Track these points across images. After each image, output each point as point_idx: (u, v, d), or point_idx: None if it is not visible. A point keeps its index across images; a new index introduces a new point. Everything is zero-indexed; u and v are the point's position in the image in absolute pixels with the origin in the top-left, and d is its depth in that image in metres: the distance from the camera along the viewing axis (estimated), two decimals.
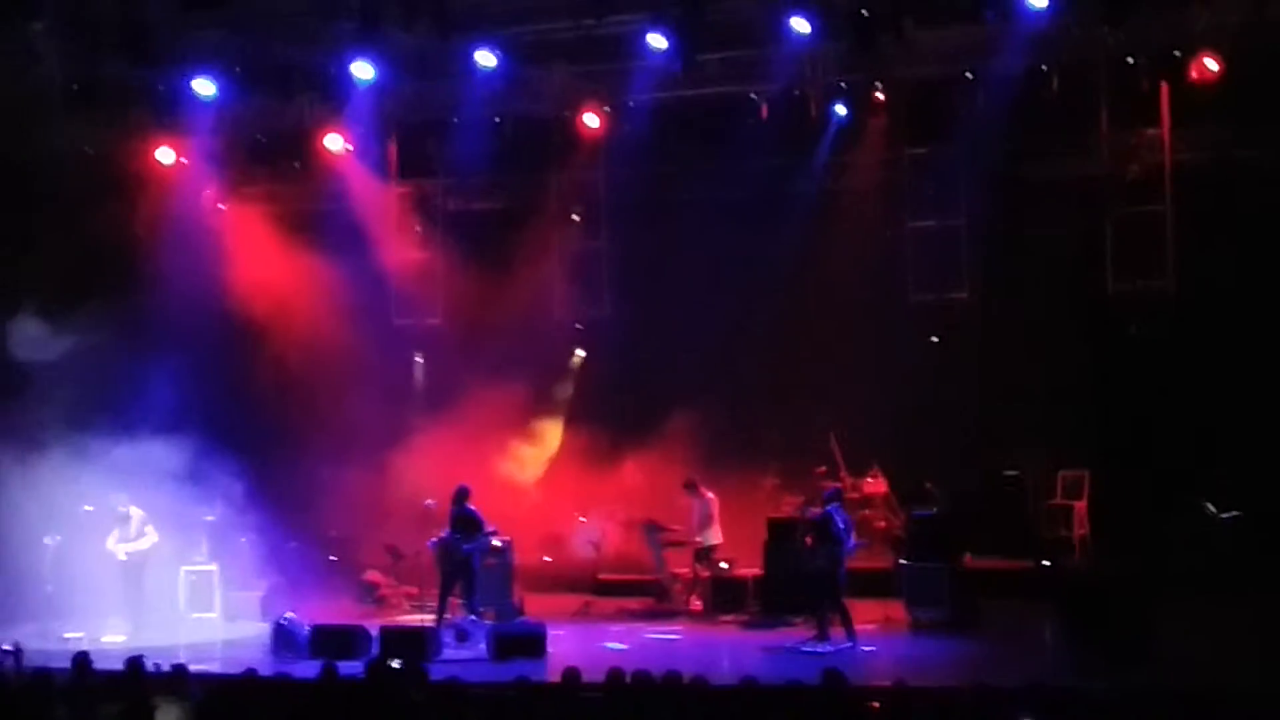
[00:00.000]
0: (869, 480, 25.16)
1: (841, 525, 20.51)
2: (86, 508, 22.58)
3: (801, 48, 23.40)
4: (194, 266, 26.16)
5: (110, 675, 15.20)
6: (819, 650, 19.80)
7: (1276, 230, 23.10)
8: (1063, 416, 23.91)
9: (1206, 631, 19.31)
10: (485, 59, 23.66)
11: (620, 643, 21.08)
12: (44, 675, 14.34)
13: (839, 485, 23.61)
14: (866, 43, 22.77)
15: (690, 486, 23.47)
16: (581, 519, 25.65)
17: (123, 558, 22.42)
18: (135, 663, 15.18)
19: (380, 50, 23.81)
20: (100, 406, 23.54)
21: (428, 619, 21.49)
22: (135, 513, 22.50)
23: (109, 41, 23.22)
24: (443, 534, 21.97)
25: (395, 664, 15.91)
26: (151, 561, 22.66)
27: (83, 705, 14.07)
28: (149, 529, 22.53)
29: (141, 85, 24.60)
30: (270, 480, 24.95)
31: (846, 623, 20.33)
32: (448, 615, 21.66)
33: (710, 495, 23.38)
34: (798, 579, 21.59)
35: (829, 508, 20.79)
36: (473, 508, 22.05)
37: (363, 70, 23.96)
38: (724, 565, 23.32)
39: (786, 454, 25.54)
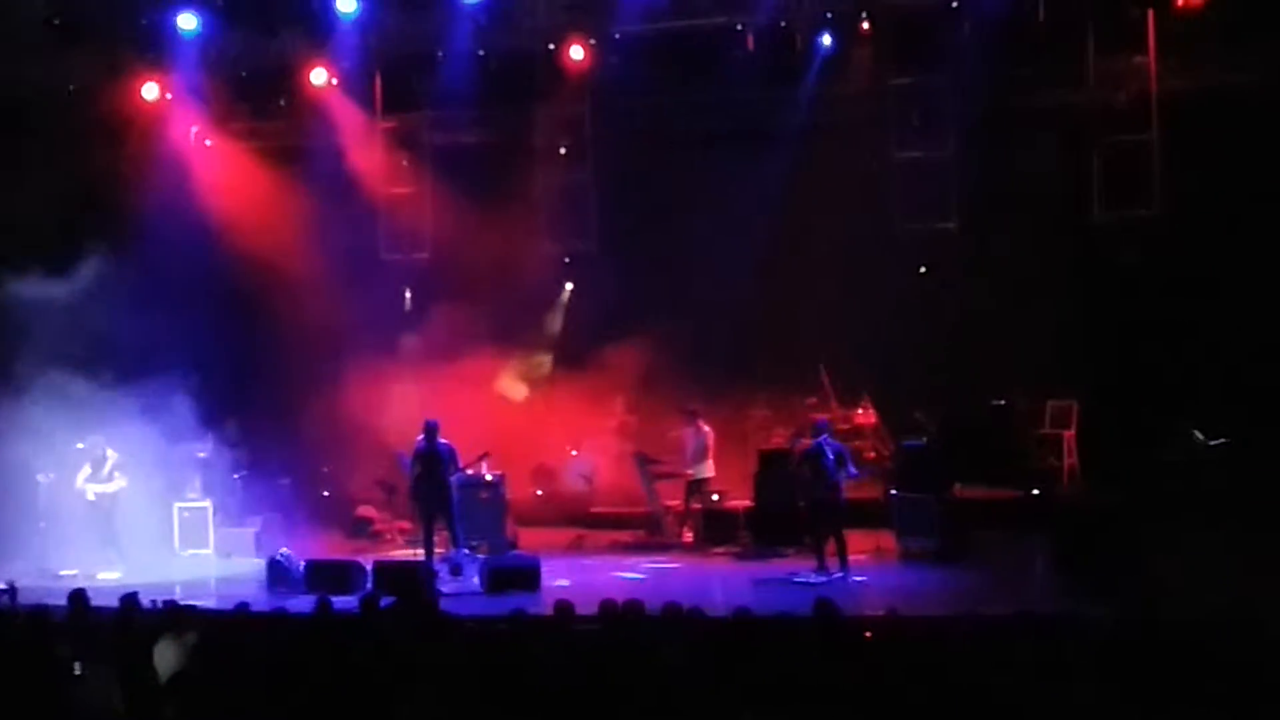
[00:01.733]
0: (859, 411, 25.24)
1: (831, 456, 20.57)
2: (79, 445, 22.54)
3: None
4: (180, 203, 26.08)
5: (107, 612, 15.26)
6: (813, 580, 19.92)
7: (1263, 156, 23.05)
8: (1051, 346, 23.90)
9: (1196, 559, 19.42)
10: None
11: (626, 571, 21.22)
12: (41, 613, 14.37)
13: (829, 417, 23.65)
14: None
15: (690, 415, 23.46)
16: (573, 452, 25.70)
17: (91, 498, 22.40)
18: (131, 599, 15.23)
19: None
20: (90, 344, 23.51)
21: (421, 553, 21.56)
22: (110, 455, 22.46)
23: None
24: (415, 471, 21.95)
25: (386, 599, 15.98)
26: (119, 505, 22.57)
27: (81, 642, 14.12)
28: (118, 474, 22.48)
29: (124, 19, 24.47)
30: (262, 416, 25.03)
31: (842, 553, 20.44)
32: (439, 550, 21.70)
33: (707, 428, 23.41)
34: (791, 510, 21.69)
35: (819, 439, 20.85)
36: (445, 442, 22.02)
37: (346, 4, 23.85)
38: (715, 497, 23.39)
39: (776, 385, 25.57)
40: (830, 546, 20.51)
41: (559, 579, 20.24)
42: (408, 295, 26.85)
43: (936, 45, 24.22)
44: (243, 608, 15.52)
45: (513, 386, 26.41)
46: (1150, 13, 23.29)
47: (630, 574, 21.15)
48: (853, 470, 20.73)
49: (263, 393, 25.47)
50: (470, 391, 25.46)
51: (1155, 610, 16.07)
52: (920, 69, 24.84)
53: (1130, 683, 11.91)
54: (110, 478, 22.40)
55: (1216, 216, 23.30)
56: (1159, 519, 19.91)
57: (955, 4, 23.50)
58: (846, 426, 24.82)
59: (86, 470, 22.40)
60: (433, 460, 21.73)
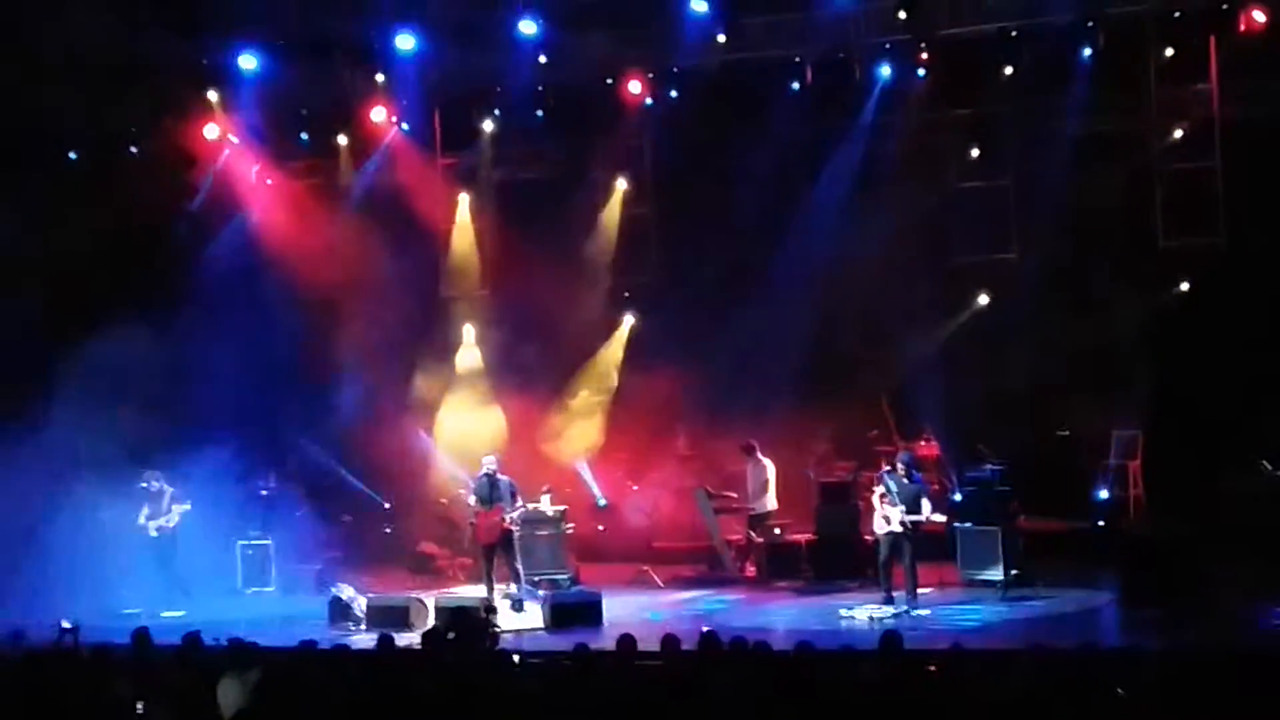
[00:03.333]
0: (921, 443, 25.05)
1: (889, 489, 20.43)
2: (141, 484, 22.66)
3: (844, 9, 23.42)
4: (241, 241, 26.29)
5: (169, 650, 15.29)
6: (879, 614, 19.81)
7: None
8: (1115, 375, 23.69)
9: (1263, 591, 19.22)
10: (527, 27, 23.64)
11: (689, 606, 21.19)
12: (103, 651, 14.42)
13: (891, 449, 23.52)
14: (910, 3, 22.68)
15: (748, 451, 23.45)
16: (634, 487, 25.66)
17: (153, 534, 22.51)
18: (194, 637, 15.27)
19: (422, 20, 23.86)
20: (153, 382, 23.74)
21: (482, 589, 21.56)
22: (167, 489, 22.58)
23: (152, 17, 23.28)
24: (478, 507, 21.97)
25: (450, 636, 15.96)
26: (180, 540, 22.68)
27: (143, 681, 14.16)
28: (175, 506, 22.57)
29: (185, 60, 24.65)
30: (325, 453, 25.11)
31: (911, 586, 20.33)
32: (500, 585, 21.68)
33: (766, 461, 23.35)
34: (854, 543, 21.61)
35: (904, 467, 20.78)
36: (506, 477, 22.05)
37: (405, 41, 23.96)
38: (777, 531, 23.30)
39: (838, 418, 25.43)
40: (898, 578, 20.42)
41: (621, 614, 20.16)
42: (469, 330, 26.81)
43: (996, 74, 24.09)
44: (305, 645, 15.53)
45: (573, 441, 26.21)
46: (1212, 39, 23.12)
47: (692, 608, 21.08)
48: (923, 514, 20.49)
49: (325, 430, 25.48)
50: (533, 426, 25.55)
51: (1221, 643, 15.98)
52: (979, 99, 24.78)
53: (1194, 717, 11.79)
54: (169, 511, 22.50)
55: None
56: (1226, 550, 19.70)
57: (1015, 34, 23.35)
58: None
59: (146, 510, 22.52)
60: (494, 495, 21.75)
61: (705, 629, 14.98)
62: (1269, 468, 22.17)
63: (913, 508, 20.31)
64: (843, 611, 20.24)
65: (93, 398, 22.83)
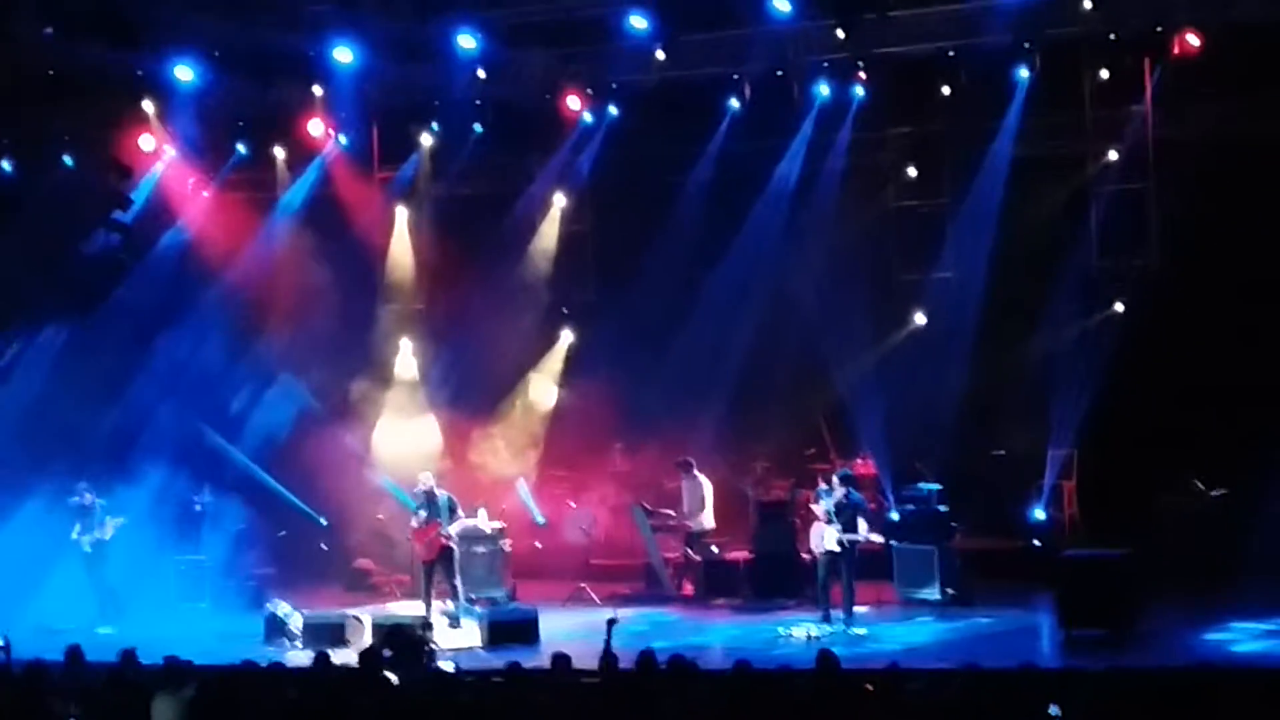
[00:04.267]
0: (858, 462, 25.09)
1: (828, 508, 20.49)
2: (72, 499, 22.46)
3: (783, 27, 23.37)
4: (176, 252, 26.12)
5: (103, 667, 15.15)
6: (817, 633, 19.84)
7: (1260, 205, 23.04)
8: (1050, 395, 23.86)
9: (1196, 610, 19.38)
10: (466, 42, 23.59)
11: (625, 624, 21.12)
12: (36, 668, 14.27)
13: (829, 468, 23.59)
14: (849, 22, 22.76)
15: (684, 466, 23.45)
16: (572, 504, 25.61)
17: (86, 549, 22.31)
18: (128, 655, 15.15)
19: (360, 34, 23.76)
20: (82, 395, 23.59)
21: (419, 606, 21.47)
22: (98, 502, 22.39)
23: (87, 27, 23.08)
24: (417, 522, 21.88)
25: (386, 653, 15.88)
26: (113, 554, 22.50)
27: (77, 698, 14.03)
28: (109, 519, 22.39)
29: (121, 71, 24.46)
30: (260, 467, 24.96)
31: (848, 604, 20.36)
32: (438, 602, 21.62)
33: (703, 478, 23.37)
34: (792, 561, 21.64)
35: (817, 490, 20.85)
36: (445, 493, 21.99)
37: (343, 54, 23.87)
38: (714, 549, 23.30)
39: (776, 436, 25.45)
40: (835, 595, 20.47)
41: (558, 631, 20.11)
42: (406, 345, 26.70)
43: (933, 94, 24.21)
44: (241, 663, 15.42)
45: (508, 456, 26.07)
46: (1147, 62, 23.32)
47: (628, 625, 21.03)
48: (858, 534, 20.53)
49: (259, 443, 25.31)
50: (470, 441, 25.48)
51: (1155, 662, 16.10)
52: (917, 118, 24.91)
53: None
54: (101, 525, 22.30)
55: (1214, 264, 23.24)
56: (1159, 569, 19.87)
57: (953, 54, 23.48)
58: None
59: (79, 524, 22.32)
60: (433, 511, 21.67)
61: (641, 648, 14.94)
62: (1202, 487, 22.38)
63: (849, 526, 20.36)
64: (780, 630, 20.26)
65: (23, 411, 22.67)
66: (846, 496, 20.63)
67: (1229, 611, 19.22)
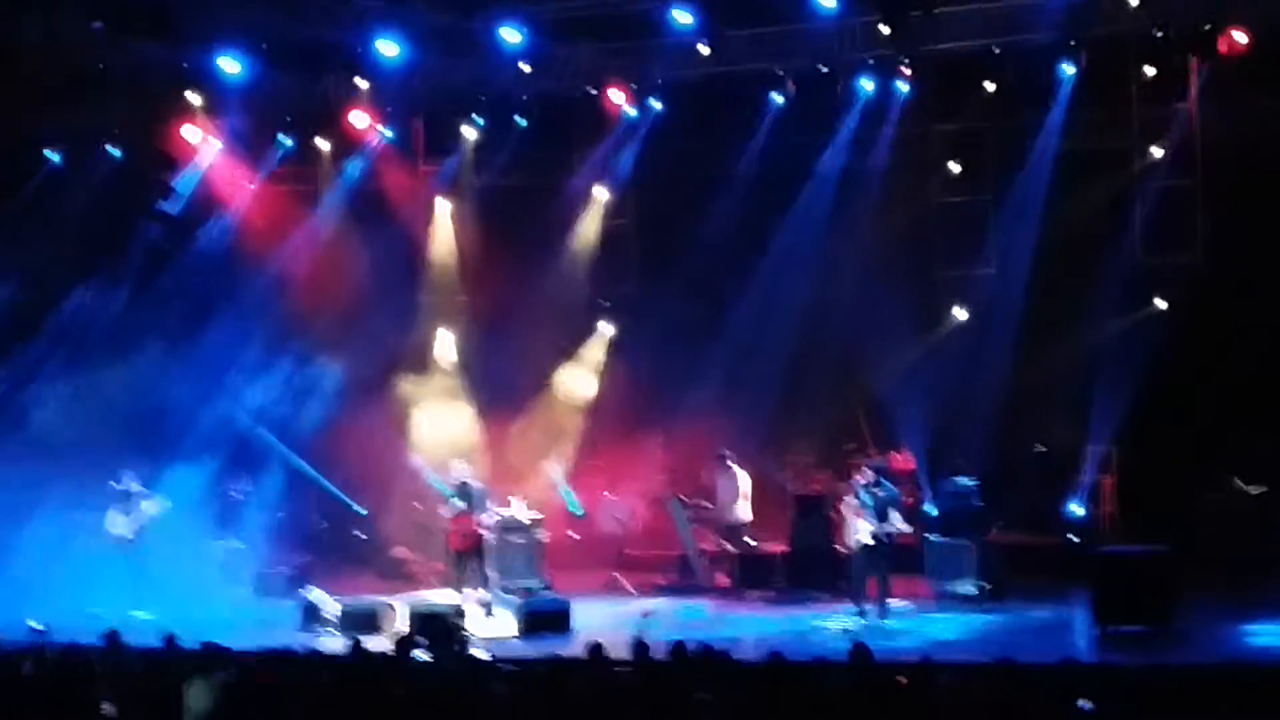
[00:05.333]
0: (897, 456, 25.08)
1: (864, 501, 20.50)
2: (112, 484, 22.62)
3: (827, 24, 23.35)
4: (221, 245, 26.27)
5: (141, 651, 15.28)
6: (851, 626, 19.84)
7: None
8: (1091, 391, 23.78)
9: (1233, 608, 19.30)
10: (510, 36, 23.63)
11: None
12: (74, 652, 14.39)
13: (866, 462, 23.59)
14: (893, 18, 22.72)
15: (721, 459, 23.46)
16: (608, 494, 25.67)
17: (128, 535, 22.45)
18: (170, 639, 15.28)
19: (405, 27, 23.81)
20: (128, 384, 23.76)
21: (455, 594, 21.56)
22: (137, 488, 22.54)
23: (135, 21, 23.25)
24: (453, 511, 21.97)
25: (422, 642, 15.97)
26: (150, 540, 22.59)
27: (113, 682, 14.15)
28: (145, 504, 22.54)
29: (167, 64, 24.61)
30: (299, 456, 25.08)
31: (883, 598, 20.36)
32: (470, 590, 21.68)
33: (740, 471, 23.39)
34: (828, 554, 21.64)
35: (853, 484, 20.85)
36: (479, 483, 22.08)
37: (388, 48, 23.94)
38: (750, 541, 23.33)
39: (815, 430, 25.44)
40: (871, 590, 20.47)
41: (591, 621, 20.17)
42: (448, 336, 26.78)
43: (978, 91, 24.15)
44: (277, 649, 15.53)
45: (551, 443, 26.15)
46: (1194, 60, 23.20)
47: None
48: (890, 526, 20.55)
49: (301, 433, 25.42)
50: (509, 432, 25.56)
51: (1192, 660, 16.05)
52: (961, 115, 24.87)
53: None
54: (140, 510, 22.44)
55: (1257, 263, 23.15)
56: (1198, 566, 19.79)
57: (998, 50, 23.40)
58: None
59: (116, 510, 22.45)
60: (467, 501, 21.77)
61: (675, 638, 14.98)
62: (1242, 485, 22.27)
63: (883, 518, 20.38)
64: (814, 622, 20.27)
65: (70, 398, 22.85)
66: (879, 489, 20.64)
67: (1267, 609, 19.09)
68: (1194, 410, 23.04)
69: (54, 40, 23.77)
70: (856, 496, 20.74)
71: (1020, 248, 24.60)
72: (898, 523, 20.50)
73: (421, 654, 15.23)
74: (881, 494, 20.64)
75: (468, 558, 21.79)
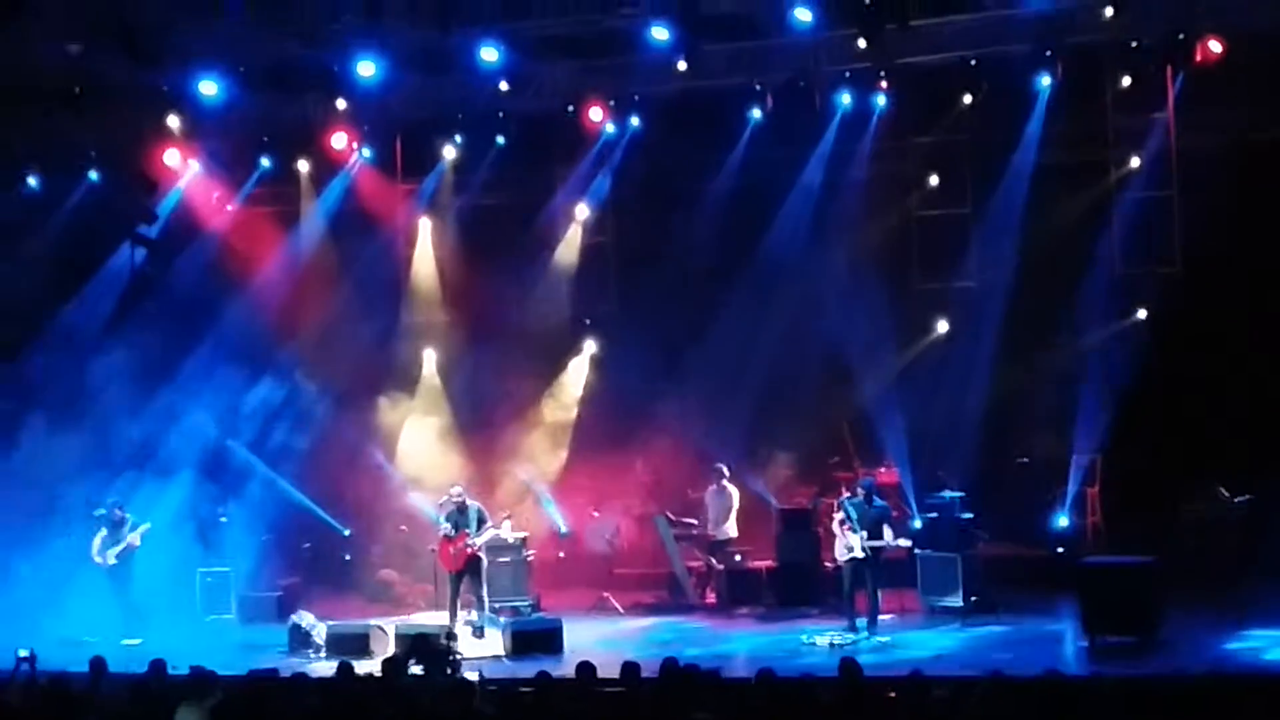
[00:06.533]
0: (881, 470, 25.07)
1: (850, 516, 20.51)
2: (99, 511, 22.57)
3: (805, 38, 23.40)
4: (202, 267, 26.22)
5: (127, 679, 15.22)
6: (840, 641, 19.84)
7: None
8: (1074, 402, 23.83)
9: (1220, 617, 19.33)
10: (488, 54, 23.64)
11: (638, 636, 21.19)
12: (61, 680, 14.33)
13: (852, 476, 23.64)
14: (870, 32, 22.77)
15: (717, 474, 23.45)
16: (595, 513, 25.66)
17: (112, 561, 22.39)
18: (157, 665, 15.23)
19: (383, 47, 23.83)
20: (113, 409, 23.72)
21: (443, 616, 21.52)
22: (125, 516, 22.49)
23: (113, 44, 23.21)
24: (444, 533, 21.94)
25: (414, 663, 15.95)
26: (136, 566, 22.60)
27: (101, 710, 14.09)
28: (136, 527, 22.50)
29: (146, 87, 24.57)
30: (283, 478, 25.02)
31: (873, 612, 20.36)
32: (463, 612, 21.68)
33: (732, 488, 23.40)
34: (815, 569, 21.64)
35: (865, 493, 20.85)
36: (474, 504, 22.07)
37: (366, 68, 23.93)
38: (738, 558, 23.32)
39: (798, 444, 25.45)
40: (861, 604, 20.48)
41: (581, 641, 20.15)
42: (430, 355, 26.74)
43: (955, 103, 24.20)
44: (265, 673, 15.48)
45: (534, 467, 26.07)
46: (1169, 69, 23.27)
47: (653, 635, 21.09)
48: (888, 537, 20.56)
49: (284, 456, 25.36)
50: (494, 452, 25.52)
51: (1179, 670, 16.05)
52: (939, 127, 24.91)
53: None
54: (125, 538, 22.38)
55: (1237, 272, 23.22)
56: (1184, 577, 19.82)
57: (974, 63, 23.46)
58: None
59: (103, 533, 22.41)
60: (462, 521, 21.74)
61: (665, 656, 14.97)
62: (1226, 494, 22.31)
63: (875, 533, 20.39)
64: (803, 638, 20.27)
65: (54, 423, 22.81)
66: (870, 503, 20.67)
67: (1253, 619, 19.15)
68: (1177, 420, 23.11)
69: (32, 61, 23.70)
70: (843, 510, 20.73)
71: (1000, 260, 24.65)
72: (891, 538, 20.50)
73: (414, 668, 15.24)
74: (873, 511, 20.63)
75: (461, 578, 21.75)
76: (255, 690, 14.62)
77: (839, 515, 20.77)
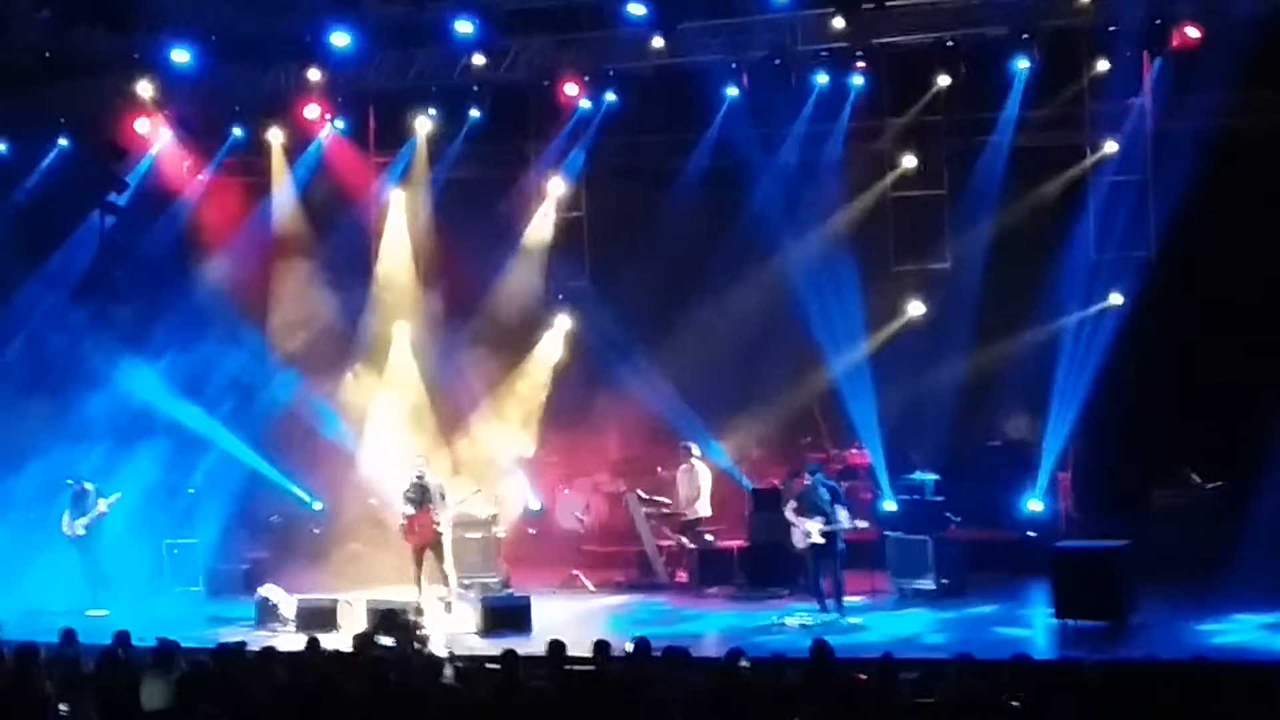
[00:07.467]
0: (853, 451, 25.07)
1: (827, 495, 20.48)
2: (68, 481, 22.45)
3: (782, 15, 23.36)
4: (172, 236, 26.07)
5: (94, 650, 15.13)
6: (810, 622, 19.80)
7: (1259, 198, 23.01)
8: (1047, 386, 23.81)
9: (1191, 603, 19.37)
10: (463, 27, 23.51)
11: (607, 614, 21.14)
12: (28, 651, 14.22)
13: (823, 456, 23.59)
14: (848, 11, 22.70)
15: (686, 452, 23.37)
16: (565, 490, 25.58)
17: (80, 532, 22.27)
18: (121, 636, 15.14)
19: (358, 18, 23.67)
20: (76, 377, 23.59)
21: (412, 592, 21.43)
22: (89, 487, 22.39)
23: (84, 10, 22.99)
24: (407, 509, 21.82)
25: (382, 638, 15.88)
26: (103, 537, 22.54)
27: (67, 680, 14.00)
28: (99, 501, 22.39)
29: (118, 54, 24.37)
30: (252, 450, 24.92)
31: (838, 593, 20.32)
32: (430, 588, 21.57)
33: (703, 467, 23.32)
34: (786, 550, 21.58)
35: (814, 478, 20.78)
36: (436, 479, 21.96)
37: (340, 38, 23.77)
38: (709, 537, 23.26)
39: (771, 425, 25.43)
40: (827, 586, 20.42)
41: (551, 618, 20.09)
42: (402, 329, 26.61)
43: (931, 84, 24.15)
44: (231, 646, 15.42)
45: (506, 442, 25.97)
46: (1146, 54, 23.26)
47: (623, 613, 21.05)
48: (849, 521, 20.50)
49: (254, 428, 25.23)
50: (465, 427, 25.44)
51: (1149, 655, 16.08)
52: (915, 107, 24.85)
53: None
54: (93, 508, 22.25)
55: (1212, 257, 23.21)
56: (1154, 561, 19.85)
57: (951, 44, 23.41)
58: (840, 466, 24.65)
59: (72, 509, 22.28)
60: (424, 497, 21.62)
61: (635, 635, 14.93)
62: (1198, 480, 22.36)
63: (831, 517, 20.31)
64: (774, 618, 20.23)
65: (21, 392, 22.68)
66: (821, 486, 20.57)
67: (1224, 604, 19.17)
68: (1150, 405, 23.14)
69: (2, 27, 23.50)
70: (794, 500, 20.65)
71: (975, 242, 24.60)
72: (846, 520, 20.40)
73: (384, 640, 15.20)
74: (824, 492, 20.55)
75: (426, 554, 21.65)
76: (222, 663, 14.56)
77: (792, 504, 20.72)
